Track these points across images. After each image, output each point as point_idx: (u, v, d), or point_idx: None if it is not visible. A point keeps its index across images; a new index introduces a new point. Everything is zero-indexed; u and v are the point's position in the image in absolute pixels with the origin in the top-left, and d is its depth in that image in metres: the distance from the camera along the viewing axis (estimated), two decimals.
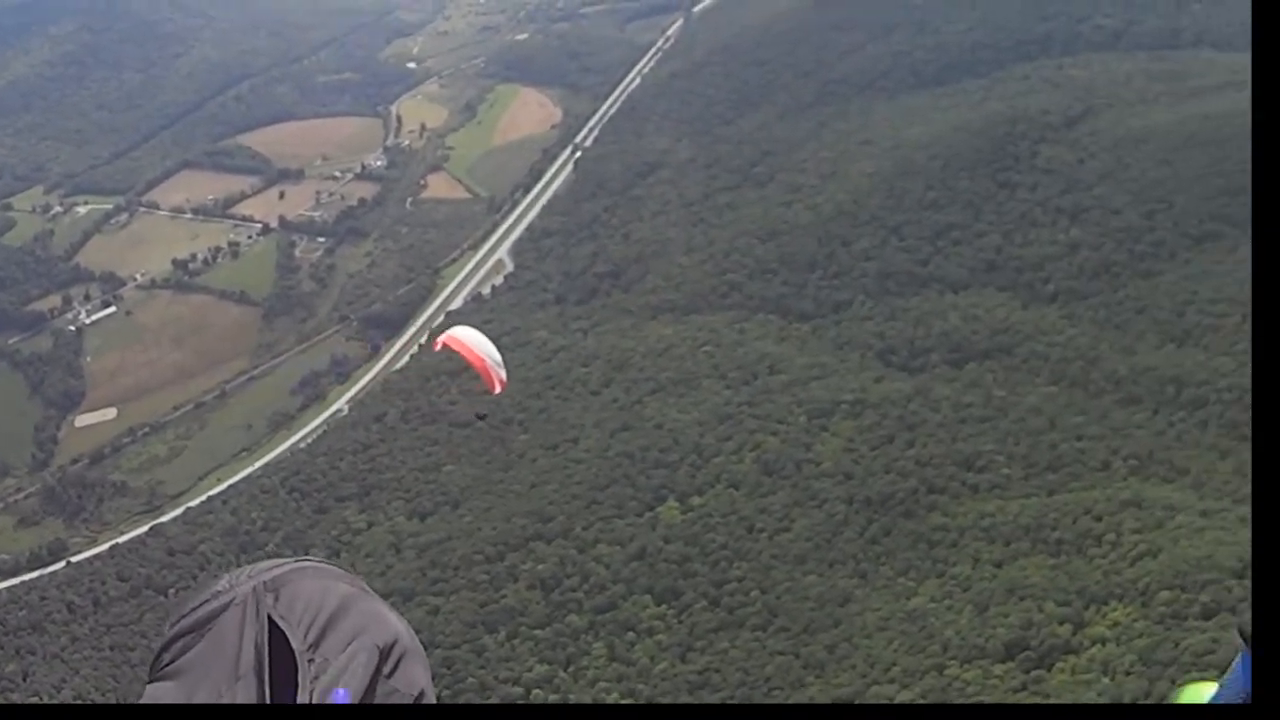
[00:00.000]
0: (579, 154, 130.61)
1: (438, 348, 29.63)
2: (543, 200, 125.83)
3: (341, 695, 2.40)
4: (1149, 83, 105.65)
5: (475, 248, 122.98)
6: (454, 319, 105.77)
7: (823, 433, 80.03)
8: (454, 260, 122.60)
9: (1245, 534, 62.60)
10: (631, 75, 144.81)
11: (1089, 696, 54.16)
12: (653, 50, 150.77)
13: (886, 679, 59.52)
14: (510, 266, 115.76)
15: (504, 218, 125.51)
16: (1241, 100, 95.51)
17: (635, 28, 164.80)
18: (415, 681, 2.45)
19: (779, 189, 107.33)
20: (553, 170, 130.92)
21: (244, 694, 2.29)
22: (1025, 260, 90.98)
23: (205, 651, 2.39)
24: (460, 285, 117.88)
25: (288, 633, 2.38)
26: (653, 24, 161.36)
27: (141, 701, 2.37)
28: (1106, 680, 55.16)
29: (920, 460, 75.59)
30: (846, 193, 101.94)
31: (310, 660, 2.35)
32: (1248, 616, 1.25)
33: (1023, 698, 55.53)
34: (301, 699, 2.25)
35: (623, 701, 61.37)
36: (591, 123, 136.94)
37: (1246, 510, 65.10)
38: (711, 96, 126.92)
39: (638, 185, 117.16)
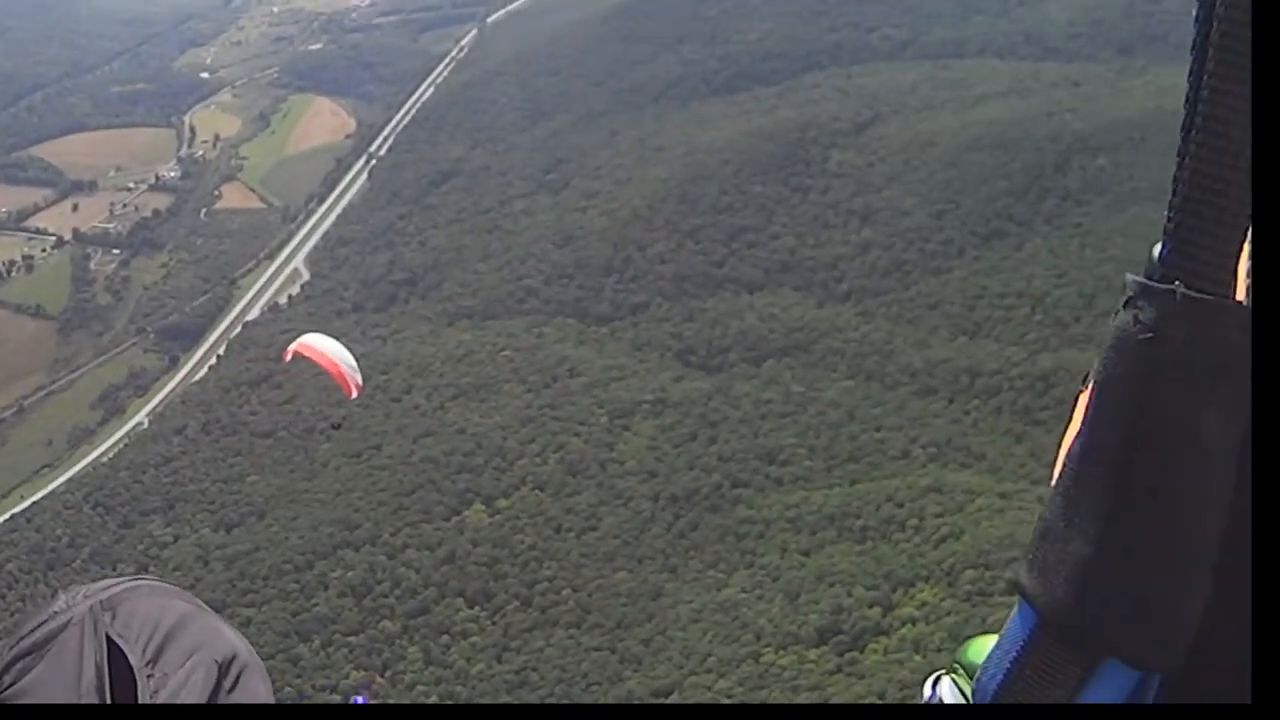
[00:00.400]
0: (373, 163, 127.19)
1: (288, 358, 28.38)
2: (338, 209, 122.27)
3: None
4: (935, 90, 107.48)
5: (271, 257, 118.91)
6: (252, 329, 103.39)
7: (625, 432, 79.42)
8: (250, 270, 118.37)
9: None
10: (425, 85, 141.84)
11: (902, 675, 54.64)
12: (446, 60, 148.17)
13: (704, 669, 59.16)
14: (306, 275, 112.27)
15: (299, 227, 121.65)
16: (1023, 106, 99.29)
17: (429, 38, 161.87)
18: (256, 695, 2.30)
19: (574, 195, 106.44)
20: (347, 179, 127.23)
21: None
22: (819, 260, 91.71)
23: (45, 672, 2.22)
24: (257, 295, 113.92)
25: (126, 650, 2.20)
26: (447, 34, 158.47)
27: None
28: (919, 658, 55.86)
29: (723, 456, 75.46)
30: (641, 198, 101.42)
31: (149, 676, 2.18)
32: (1022, 567, 1.51)
33: (838, 680, 55.95)
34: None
35: (444, 702, 59.67)
36: (385, 132, 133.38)
37: (1042, 491, 65.94)
38: (505, 105, 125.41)
39: (432, 193, 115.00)
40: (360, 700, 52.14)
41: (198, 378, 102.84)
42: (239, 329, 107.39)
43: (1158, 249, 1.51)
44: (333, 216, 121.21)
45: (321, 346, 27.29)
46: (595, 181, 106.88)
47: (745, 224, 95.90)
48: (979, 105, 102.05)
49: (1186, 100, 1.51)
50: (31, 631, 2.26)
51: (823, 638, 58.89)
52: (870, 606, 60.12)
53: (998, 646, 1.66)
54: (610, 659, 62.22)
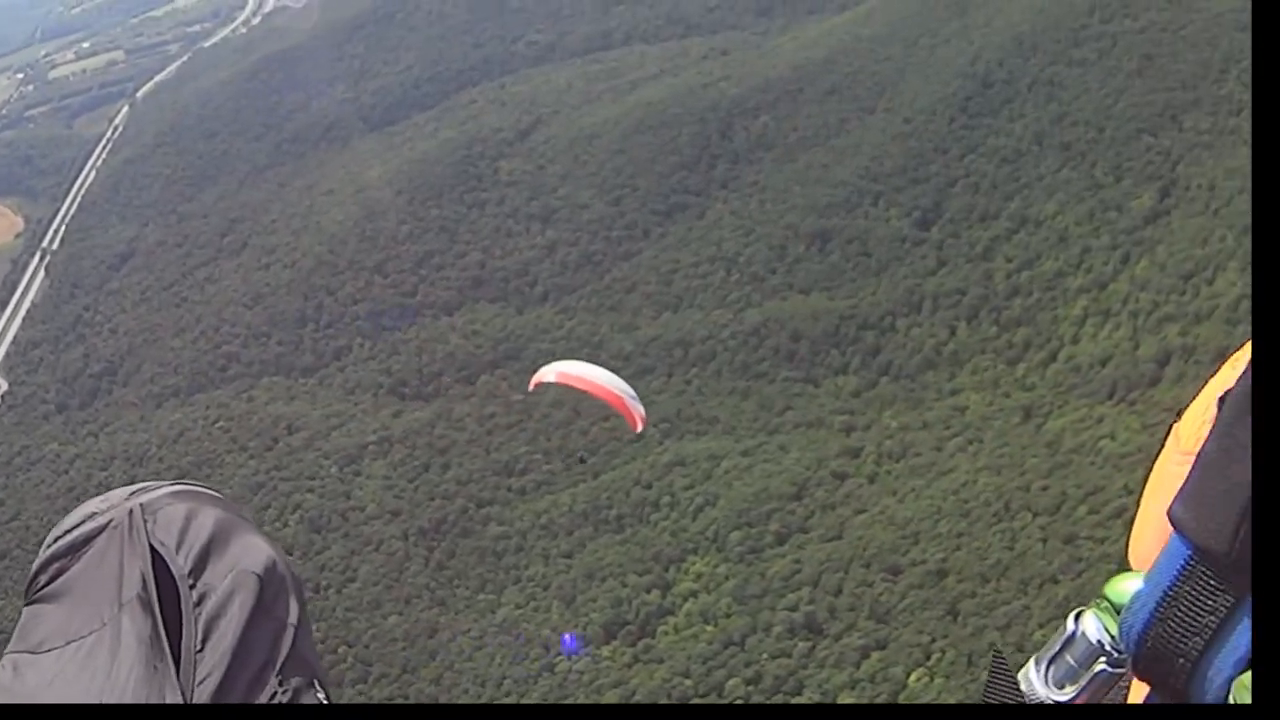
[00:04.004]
0: (48, 258, 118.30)
1: (533, 387, 24.17)
2: (21, 312, 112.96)
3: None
4: (589, 84, 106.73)
5: None
6: None
7: (358, 478, 75.40)
8: None
9: (789, 459, 63.94)
10: (87, 169, 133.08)
11: (700, 648, 53.29)
12: (104, 141, 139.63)
13: (502, 694, 55.80)
14: (4, 385, 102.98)
15: None
16: (677, 83, 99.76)
17: (83, 122, 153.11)
18: (293, 611, 2.21)
19: (254, 254, 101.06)
20: (25, 280, 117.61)
21: (129, 620, 2.02)
22: (510, 269, 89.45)
23: (83, 574, 2.15)
24: None
25: (167, 559, 2.11)
26: (100, 115, 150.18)
27: (22, 622, 2.20)
28: (711, 628, 54.29)
29: (461, 479, 72.31)
30: (321, 244, 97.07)
31: (191, 587, 2.09)
32: (1177, 502, 1.60)
33: (639, 670, 53.72)
34: (186, 629, 2.05)
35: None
36: (55, 224, 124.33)
37: (782, 439, 66.02)
38: (169, 176, 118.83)
39: (113, 278, 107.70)
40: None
41: None
42: None
43: None
44: (18, 320, 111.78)
45: (590, 375, 23.81)
46: (272, 236, 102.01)
47: (429, 248, 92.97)
48: (635, 90, 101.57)
49: None
50: (68, 532, 2.18)
51: (611, 633, 56.63)
52: (648, 591, 58.20)
53: (1150, 577, 1.66)
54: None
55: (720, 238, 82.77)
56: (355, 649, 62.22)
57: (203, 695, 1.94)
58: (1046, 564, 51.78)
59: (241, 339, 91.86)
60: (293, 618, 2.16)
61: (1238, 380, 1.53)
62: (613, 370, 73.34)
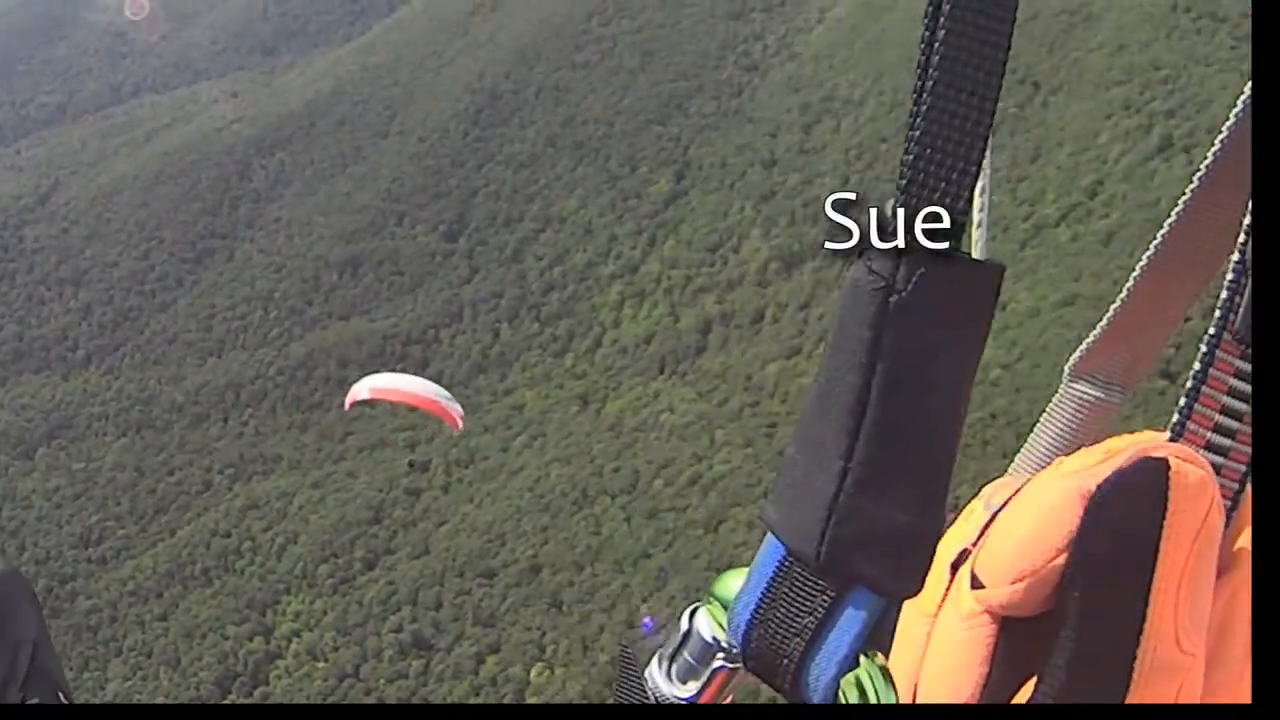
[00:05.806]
0: None
1: (349, 406, 24.39)
2: None
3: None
4: (104, 140, 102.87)
5: None
6: None
7: None
8: None
9: (360, 484, 65.30)
10: None
11: (318, 686, 53.62)
12: None
13: None
14: None
15: None
16: (191, 130, 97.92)
17: None
18: (29, 626, 2.01)
19: None
20: None
21: None
22: (49, 337, 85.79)
23: None
24: None
25: None
26: None
27: None
28: (322, 664, 54.77)
29: (39, 559, 69.51)
30: None
31: None
32: (768, 503, 1.54)
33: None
34: None
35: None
36: None
37: (349, 465, 67.40)
38: None
39: None
40: (648, 623, 48.44)
41: None
42: None
43: (890, 202, 1.45)
44: None
45: (399, 385, 24.03)
46: None
47: None
48: (151, 142, 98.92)
49: (919, 64, 1.45)
50: None
51: (225, 687, 56.08)
52: (251, 639, 57.97)
53: (749, 579, 1.62)
54: None
55: (253, 277, 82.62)
56: None
57: None
58: (635, 541, 54.70)
59: None
60: (30, 634, 2.02)
61: (816, 379, 1.51)
62: (166, 423, 72.20)
